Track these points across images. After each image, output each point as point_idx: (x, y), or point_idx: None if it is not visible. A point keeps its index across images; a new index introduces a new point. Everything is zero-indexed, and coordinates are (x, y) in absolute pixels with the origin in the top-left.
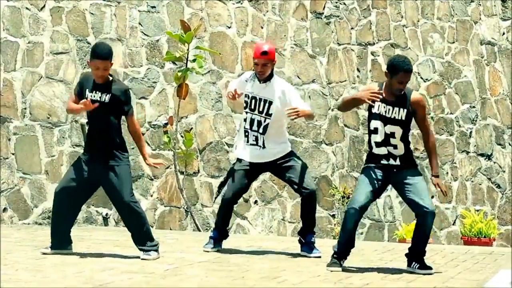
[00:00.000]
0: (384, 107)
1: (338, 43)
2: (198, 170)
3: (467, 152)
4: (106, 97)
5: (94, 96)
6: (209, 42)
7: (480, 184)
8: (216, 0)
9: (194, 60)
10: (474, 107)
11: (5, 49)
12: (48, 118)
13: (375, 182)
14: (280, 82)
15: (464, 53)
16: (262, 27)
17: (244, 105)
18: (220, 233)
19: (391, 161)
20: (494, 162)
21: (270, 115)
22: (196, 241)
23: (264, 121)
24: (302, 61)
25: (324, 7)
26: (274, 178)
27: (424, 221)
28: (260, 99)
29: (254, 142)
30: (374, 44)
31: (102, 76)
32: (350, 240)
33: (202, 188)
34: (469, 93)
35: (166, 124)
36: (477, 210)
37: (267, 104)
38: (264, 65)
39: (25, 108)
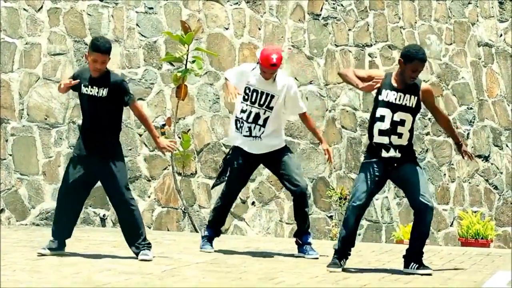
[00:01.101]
0: (394, 94)
1: (335, 45)
2: (196, 171)
3: None
4: (104, 91)
5: (91, 92)
6: (207, 43)
7: (478, 186)
8: (214, 2)
9: (193, 61)
10: (471, 108)
11: (3, 50)
12: (46, 119)
13: (375, 177)
14: (283, 77)
15: (462, 54)
16: (259, 29)
17: (245, 96)
18: (214, 232)
19: (391, 153)
20: (492, 164)
21: (271, 108)
22: (194, 242)
23: (264, 113)
24: (299, 63)
25: (322, 8)
26: (272, 180)
27: (424, 217)
28: (262, 92)
29: (248, 134)
30: (371, 45)
31: (99, 70)
32: (352, 236)
33: (200, 189)
34: (467, 95)
35: (164, 125)
36: (475, 212)
37: (269, 98)
38: (272, 73)
39: (23, 109)
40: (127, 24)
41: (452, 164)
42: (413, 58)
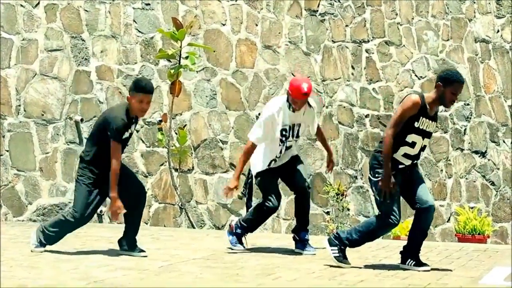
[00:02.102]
0: (427, 121)
1: (332, 41)
2: (193, 167)
3: (462, 150)
4: (135, 127)
5: (131, 130)
6: (204, 39)
7: (475, 182)
8: None
9: (187, 57)
10: (468, 104)
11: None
12: (43, 115)
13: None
14: (308, 107)
15: (459, 50)
16: (256, 25)
17: (282, 139)
18: (246, 232)
19: (407, 163)
20: (489, 160)
21: (299, 136)
22: (191, 238)
23: (294, 142)
24: (296, 59)
25: (319, 4)
26: None
27: (428, 216)
28: (294, 124)
29: (274, 163)
30: (368, 41)
31: (146, 110)
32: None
33: (197, 185)
34: (464, 91)
35: (160, 121)
36: (472, 207)
37: (297, 127)
38: (303, 103)
39: (19, 105)
40: (124, 20)
41: (449, 160)
42: (453, 81)
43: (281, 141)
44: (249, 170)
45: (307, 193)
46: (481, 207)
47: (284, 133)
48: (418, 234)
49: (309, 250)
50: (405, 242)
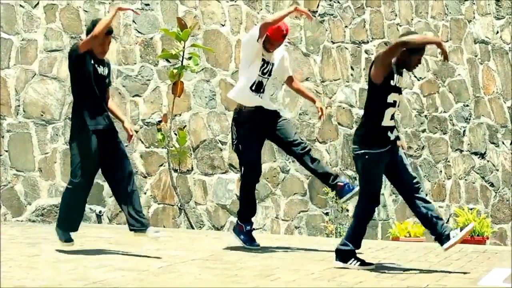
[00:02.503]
0: (397, 77)
1: (332, 42)
2: (192, 168)
3: (461, 151)
4: (105, 70)
5: (101, 71)
6: (203, 40)
7: (474, 183)
8: None
9: (189, 58)
10: (467, 105)
11: None
12: (42, 115)
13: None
14: (279, 48)
15: (458, 51)
16: (256, 25)
17: (261, 67)
18: (251, 224)
19: (394, 133)
20: (488, 161)
21: (270, 75)
22: (190, 238)
23: (265, 81)
24: (296, 59)
25: (318, 5)
26: (268, 176)
27: (421, 193)
28: (268, 62)
29: (257, 96)
30: (368, 42)
31: (107, 51)
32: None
33: (196, 186)
34: (463, 92)
35: (160, 121)
36: (471, 209)
37: (270, 66)
38: (279, 45)
39: (19, 106)
40: (124, 20)
41: (448, 161)
42: (420, 49)
43: (261, 71)
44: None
45: (309, 150)
46: (480, 208)
47: (262, 62)
48: (431, 214)
49: (354, 188)
50: (404, 244)
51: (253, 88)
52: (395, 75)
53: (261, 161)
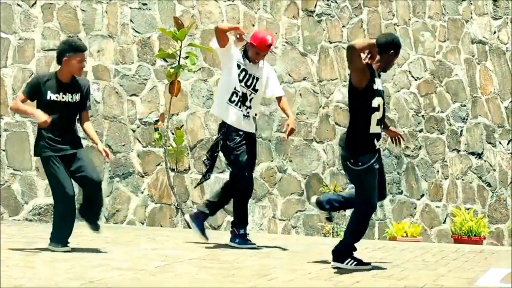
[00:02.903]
0: (377, 80)
1: (329, 41)
2: (189, 167)
3: (458, 151)
4: (77, 97)
5: (64, 98)
6: (201, 39)
7: (471, 183)
8: None
9: (186, 57)
10: (465, 105)
11: None
12: None
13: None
14: (267, 65)
15: (455, 52)
16: (253, 25)
17: (243, 77)
18: (245, 228)
19: (380, 142)
20: (485, 161)
21: (256, 90)
22: (187, 238)
23: (250, 95)
24: (293, 59)
25: (316, 5)
26: (265, 176)
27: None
28: (250, 75)
29: (240, 111)
30: None
31: (83, 69)
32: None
33: (193, 185)
34: (460, 92)
35: (157, 121)
36: (468, 209)
37: (255, 80)
38: (265, 55)
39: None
40: (121, 19)
41: (445, 161)
42: (399, 48)
43: (239, 80)
44: (217, 137)
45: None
46: (477, 208)
47: (242, 73)
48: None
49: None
50: (401, 243)
51: (233, 99)
52: (376, 79)
53: (252, 173)
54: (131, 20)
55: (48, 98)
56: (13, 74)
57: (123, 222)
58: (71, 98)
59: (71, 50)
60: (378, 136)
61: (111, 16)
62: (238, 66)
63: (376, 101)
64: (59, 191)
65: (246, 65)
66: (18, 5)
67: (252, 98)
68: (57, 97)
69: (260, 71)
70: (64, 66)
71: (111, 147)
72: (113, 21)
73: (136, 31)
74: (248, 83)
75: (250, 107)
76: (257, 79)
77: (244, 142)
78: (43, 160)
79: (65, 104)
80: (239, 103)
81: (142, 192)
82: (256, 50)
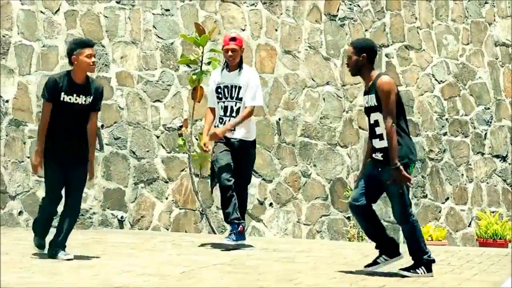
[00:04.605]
0: (365, 98)
1: None
2: None
3: (482, 154)
4: (89, 99)
5: (77, 100)
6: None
7: (496, 186)
8: (230, 3)
9: (209, 63)
10: (489, 108)
11: (20, 52)
12: None
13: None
14: (248, 71)
15: (479, 54)
16: (276, 30)
17: (218, 96)
18: (238, 224)
19: (377, 155)
20: (509, 164)
21: (241, 99)
22: (211, 243)
23: (235, 105)
24: (316, 63)
25: (338, 9)
26: (289, 181)
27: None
28: (232, 86)
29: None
30: (388, 46)
31: (95, 65)
32: (369, 234)
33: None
34: (484, 95)
35: (181, 127)
36: (493, 212)
37: (236, 89)
38: (233, 51)
39: (40, 112)
40: (144, 26)
41: (470, 164)
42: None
43: (218, 97)
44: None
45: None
46: (502, 211)
47: (219, 90)
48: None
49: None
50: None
51: (222, 115)
52: (364, 96)
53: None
54: (154, 26)
55: (61, 99)
56: (37, 81)
57: (147, 228)
58: (84, 101)
59: (78, 47)
60: (374, 150)
61: (134, 22)
62: (217, 90)
63: (372, 117)
64: (47, 196)
65: (223, 76)
66: (41, 12)
67: (239, 107)
68: (70, 99)
69: (238, 79)
70: (75, 66)
71: (135, 153)
72: (136, 27)
73: (159, 37)
74: (230, 95)
75: (235, 117)
76: (239, 88)
77: (225, 147)
78: (45, 162)
79: (77, 106)
80: (230, 118)
81: (167, 198)
82: (224, 49)
